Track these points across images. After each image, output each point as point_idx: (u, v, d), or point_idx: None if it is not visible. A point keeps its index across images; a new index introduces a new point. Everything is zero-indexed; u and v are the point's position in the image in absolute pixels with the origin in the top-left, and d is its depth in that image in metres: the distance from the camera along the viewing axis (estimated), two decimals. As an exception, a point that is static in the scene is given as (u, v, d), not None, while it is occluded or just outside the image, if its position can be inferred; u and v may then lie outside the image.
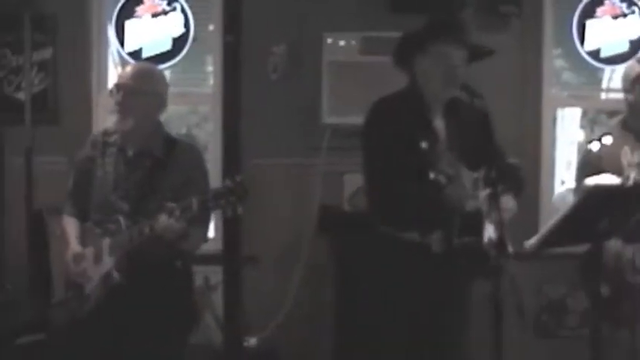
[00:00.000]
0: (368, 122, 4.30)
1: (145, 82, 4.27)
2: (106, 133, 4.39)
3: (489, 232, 3.99)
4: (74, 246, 4.31)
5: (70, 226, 4.40)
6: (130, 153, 4.27)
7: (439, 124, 4.26)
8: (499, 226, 3.83)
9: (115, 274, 4.12)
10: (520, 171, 4.50)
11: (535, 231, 5.20)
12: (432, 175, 3.72)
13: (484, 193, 3.90)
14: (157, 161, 4.24)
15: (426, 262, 4.13)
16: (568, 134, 6.84)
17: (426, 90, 4.25)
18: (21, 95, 6.26)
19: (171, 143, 4.32)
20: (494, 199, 3.89)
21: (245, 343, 6.07)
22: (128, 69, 4.40)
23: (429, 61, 4.20)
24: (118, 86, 4.27)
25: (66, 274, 4.37)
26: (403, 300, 4.19)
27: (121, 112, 4.24)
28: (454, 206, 3.96)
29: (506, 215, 4.06)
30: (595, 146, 4.94)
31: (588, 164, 4.94)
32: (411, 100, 4.27)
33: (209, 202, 3.89)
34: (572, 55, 6.54)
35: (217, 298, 6.13)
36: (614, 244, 4.64)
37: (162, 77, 4.46)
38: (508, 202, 4.13)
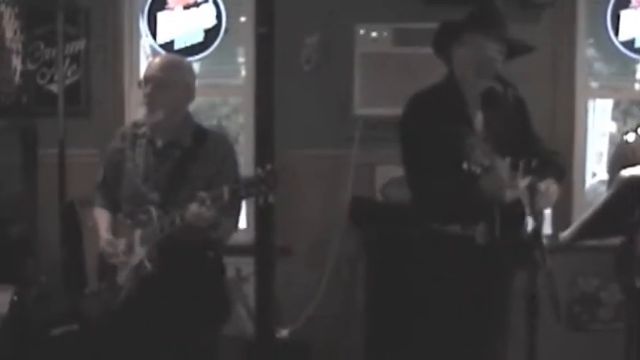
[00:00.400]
0: (405, 116, 4.28)
1: (173, 74, 4.27)
2: (135, 125, 4.40)
3: (531, 224, 3.97)
4: (105, 234, 4.32)
5: (102, 217, 4.42)
6: (160, 144, 4.28)
7: (476, 115, 4.25)
8: (537, 217, 3.81)
9: (147, 265, 4.13)
10: (559, 157, 4.46)
11: (568, 223, 5.18)
12: (465, 166, 3.70)
13: (523, 182, 3.87)
14: (186, 152, 4.25)
15: (470, 255, 4.13)
16: (599, 126, 6.79)
17: (462, 81, 4.23)
18: (54, 87, 6.28)
19: (201, 134, 4.32)
20: (533, 189, 3.87)
21: (277, 335, 6.08)
22: (156, 61, 4.39)
23: (465, 51, 4.18)
24: (146, 78, 4.27)
25: (99, 264, 4.38)
26: (447, 293, 4.17)
27: (150, 105, 4.25)
28: (492, 197, 3.94)
29: (550, 200, 4.08)
30: (630, 137, 4.90)
31: (623, 156, 4.90)
32: (448, 92, 4.26)
33: (241, 191, 3.87)
34: (606, 45, 6.48)
35: (249, 290, 6.14)
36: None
37: (190, 68, 4.46)
38: (550, 186, 4.10)
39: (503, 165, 3.81)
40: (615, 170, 4.76)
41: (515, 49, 4.28)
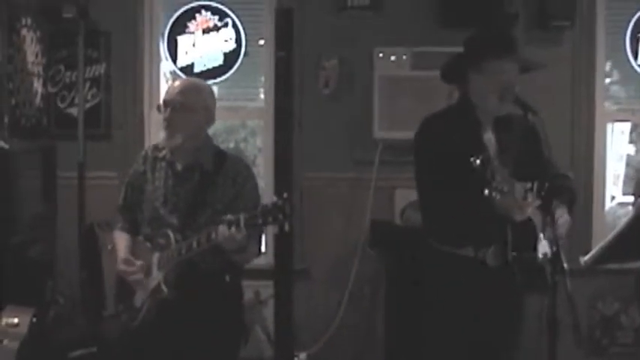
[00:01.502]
0: (418, 139, 4.28)
1: (194, 97, 4.27)
2: (156, 148, 4.39)
3: (544, 247, 3.96)
4: (123, 253, 4.32)
5: (121, 239, 4.41)
6: (179, 167, 4.27)
7: (490, 139, 4.24)
8: (554, 241, 3.79)
9: (164, 288, 4.12)
10: (571, 182, 4.44)
11: (588, 246, 5.18)
12: (486, 192, 3.69)
13: (534, 203, 3.86)
14: (206, 175, 4.23)
15: (481, 277, 4.12)
16: (617, 149, 6.78)
17: (480, 106, 4.22)
18: (74, 110, 6.32)
19: (220, 157, 4.31)
20: (548, 214, 3.86)
21: (295, 358, 6.07)
22: (176, 84, 4.36)
23: (484, 78, 4.16)
24: (166, 102, 4.25)
25: (118, 287, 4.38)
26: (460, 315, 4.16)
27: (170, 128, 4.24)
28: (503, 217, 3.94)
29: (562, 230, 4.04)
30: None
31: None
32: (463, 115, 4.25)
33: (257, 219, 3.85)
34: (625, 68, 6.49)
35: (268, 313, 6.13)
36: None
37: (211, 92, 4.44)
38: (562, 215, 4.09)
39: (518, 187, 3.81)
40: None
41: (525, 66, 4.28)
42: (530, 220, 3.99)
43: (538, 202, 3.87)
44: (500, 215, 3.90)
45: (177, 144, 4.21)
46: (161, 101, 4.31)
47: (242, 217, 3.85)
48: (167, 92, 4.32)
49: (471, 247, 4.14)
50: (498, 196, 3.68)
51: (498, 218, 3.92)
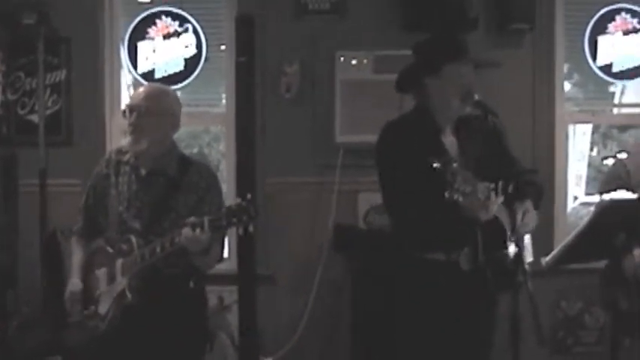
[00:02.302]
0: (379, 146, 4.29)
1: (159, 103, 4.25)
2: (119, 152, 4.36)
3: (512, 247, 3.99)
4: (73, 283, 4.31)
5: (75, 254, 4.40)
6: (144, 172, 4.25)
7: (452, 141, 4.25)
8: (519, 241, 3.83)
9: (128, 295, 4.11)
10: (537, 177, 4.46)
11: (550, 247, 5.20)
12: (447, 195, 3.71)
13: (498, 201, 3.88)
14: (170, 181, 4.22)
15: (455, 281, 4.11)
16: (578, 150, 6.83)
17: (438, 110, 4.23)
18: (35, 117, 6.29)
19: (185, 163, 4.29)
20: (512, 215, 3.89)
21: (261, 364, 6.07)
22: (141, 90, 4.35)
23: (443, 83, 4.17)
24: (131, 107, 4.23)
25: (81, 294, 4.36)
26: (434, 319, 4.14)
27: (135, 133, 4.22)
28: (469, 219, 3.95)
29: (530, 224, 4.08)
30: (610, 161, 4.93)
31: (617, 177, 4.92)
32: (422, 121, 4.26)
33: (221, 221, 3.86)
34: (584, 70, 6.55)
35: (232, 319, 6.12)
36: (633, 258, 4.60)
37: (175, 97, 4.43)
38: (528, 210, 4.11)
39: (482, 189, 3.83)
40: (604, 193, 4.75)
41: (483, 65, 4.31)
42: (497, 218, 4.00)
43: (501, 200, 3.89)
44: (466, 217, 3.92)
45: (142, 149, 4.20)
46: (125, 106, 4.30)
47: (206, 219, 3.85)
48: (132, 97, 4.32)
49: (442, 252, 4.13)
50: (461, 198, 3.69)
51: (466, 220, 3.91)
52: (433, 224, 4.03)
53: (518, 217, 4.02)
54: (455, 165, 3.72)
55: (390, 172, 4.22)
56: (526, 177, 4.28)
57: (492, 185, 3.86)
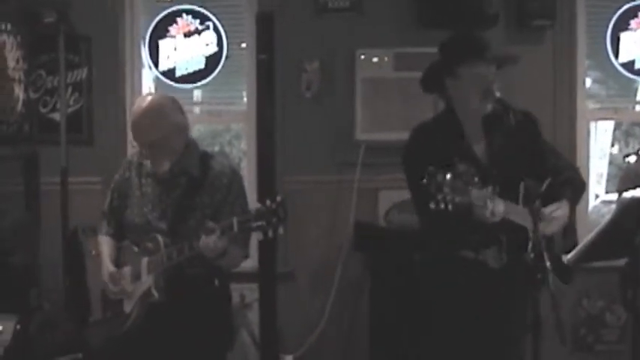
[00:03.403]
0: (407, 149, 4.32)
1: (161, 128, 4.16)
2: (141, 155, 4.37)
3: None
4: (109, 266, 4.30)
5: (105, 245, 4.40)
6: (166, 174, 4.25)
7: (479, 143, 4.25)
8: (541, 240, 3.82)
9: (154, 293, 4.11)
10: (578, 172, 4.44)
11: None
12: (432, 206, 3.72)
13: (499, 209, 3.91)
14: (193, 179, 4.22)
15: (484, 278, 4.15)
16: (599, 147, 6.80)
17: (461, 110, 4.24)
18: (56, 116, 6.30)
19: (206, 160, 4.29)
20: (536, 214, 3.90)
21: (281, 361, 6.07)
22: (136, 121, 4.20)
23: (460, 83, 4.18)
24: (140, 144, 4.22)
25: (104, 292, 4.37)
26: (462, 315, 4.18)
27: (154, 160, 4.24)
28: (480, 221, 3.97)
29: (554, 224, 4.15)
30: (632, 159, 4.91)
31: (634, 176, 4.90)
32: (447, 123, 4.27)
33: (250, 223, 3.82)
34: (606, 67, 6.51)
35: (253, 316, 6.13)
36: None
37: (172, 105, 4.29)
38: (555, 211, 4.15)
39: (479, 196, 3.84)
40: (622, 191, 4.74)
41: (500, 63, 4.28)
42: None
43: (501, 204, 3.91)
44: (477, 219, 3.93)
45: (166, 169, 4.21)
46: (134, 144, 4.28)
47: (235, 220, 3.83)
48: (134, 134, 4.24)
49: (471, 250, 4.17)
50: (450, 207, 3.70)
51: (480, 222, 3.93)
52: (450, 226, 4.01)
53: (542, 218, 4.01)
54: (446, 176, 3.71)
55: (414, 175, 4.22)
56: (563, 175, 4.29)
57: (490, 189, 3.88)
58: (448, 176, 3.71)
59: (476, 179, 3.80)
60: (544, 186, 4.17)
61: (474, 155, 4.17)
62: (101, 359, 4.56)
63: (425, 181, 3.71)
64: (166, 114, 4.22)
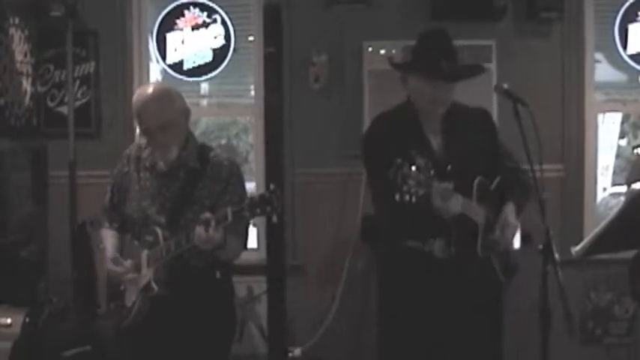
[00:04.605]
0: (367, 138, 4.47)
1: (170, 112, 4.14)
2: (139, 148, 4.33)
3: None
4: (111, 252, 4.31)
5: (109, 238, 4.39)
6: (165, 167, 4.21)
7: (436, 137, 4.34)
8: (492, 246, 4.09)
9: (154, 286, 4.11)
10: (525, 176, 4.47)
11: (580, 237, 5.17)
12: (397, 197, 3.77)
13: (455, 205, 4.02)
14: (192, 172, 4.21)
15: (430, 269, 4.26)
16: (607, 139, 6.78)
17: (417, 106, 4.34)
18: (64, 109, 6.32)
19: (204, 152, 4.28)
20: (489, 211, 4.18)
21: (289, 354, 6.07)
22: (144, 105, 4.14)
23: (415, 85, 4.30)
24: (147, 130, 4.15)
25: (108, 285, 4.38)
26: (418, 307, 4.30)
27: (162, 148, 4.18)
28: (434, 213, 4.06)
29: (507, 241, 4.29)
30: (641, 150, 4.90)
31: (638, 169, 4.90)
32: (406, 115, 4.37)
33: (244, 212, 3.83)
34: (614, 59, 6.49)
35: (261, 309, 6.13)
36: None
37: (177, 93, 4.29)
38: (508, 226, 4.28)
39: (440, 190, 3.91)
40: (632, 183, 4.74)
41: (466, 74, 4.37)
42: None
43: (460, 200, 4.03)
44: (432, 211, 4.02)
45: (174, 157, 4.19)
46: (141, 130, 4.19)
47: (229, 210, 3.84)
48: (140, 116, 4.17)
49: (420, 241, 4.28)
50: (413, 199, 3.77)
51: (432, 214, 4.04)
52: (400, 216, 4.12)
53: (497, 231, 4.24)
54: (412, 168, 3.76)
55: (374, 164, 4.35)
56: (513, 175, 4.38)
57: (451, 185, 3.97)
58: (413, 169, 3.79)
59: (432, 172, 3.87)
60: (494, 184, 4.31)
61: (431, 149, 4.27)
62: (109, 352, 4.57)
63: (391, 172, 3.78)
64: (174, 98, 4.22)
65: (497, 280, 4.35)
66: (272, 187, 3.84)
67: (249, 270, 5.22)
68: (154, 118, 4.12)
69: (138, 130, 4.32)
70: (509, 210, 4.29)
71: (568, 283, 3.75)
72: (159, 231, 4.11)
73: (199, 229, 3.87)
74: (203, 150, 4.29)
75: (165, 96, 4.21)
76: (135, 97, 4.23)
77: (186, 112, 4.24)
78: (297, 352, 6.17)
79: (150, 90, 4.21)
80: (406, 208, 3.81)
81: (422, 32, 4.41)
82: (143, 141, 4.32)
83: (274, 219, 3.86)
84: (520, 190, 4.35)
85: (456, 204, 4.01)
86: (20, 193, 6.03)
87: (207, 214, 3.88)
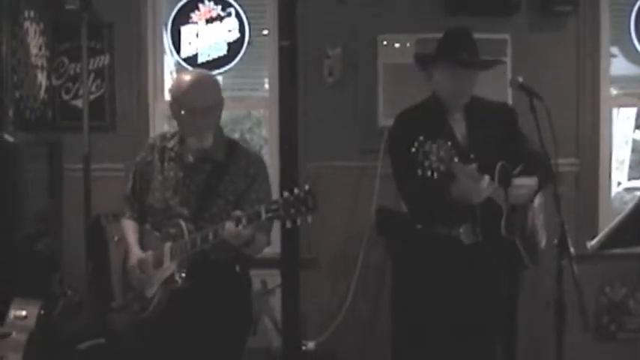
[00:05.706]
0: (392, 133, 4.65)
1: (214, 97, 4.15)
2: (164, 138, 4.34)
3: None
4: (137, 252, 4.29)
5: (130, 230, 4.37)
6: (191, 159, 4.22)
7: (460, 126, 4.52)
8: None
9: (177, 279, 4.10)
10: (548, 161, 4.48)
11: (595, 231, 5.16)
12: (419, 172, 3.91)
13: (488, 187, 4.17)
14: (218, 166, 4.20)
15: (457, 254, 4.38)
16: (622, 133, 6.75)
17: (443, 97, 4.53)
18: (79, 102, 6.33)
19: (231, 147, 4.27)
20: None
21: (303, 347, 6.07)
22: (191, 86, 4.10)
23: (439, 77, 4.49)
24: (193, 109, 4.07)
25: (126, 279, 4.37)
26: (441, 292, 4.40)
27: (200, 133, 4.15)
28: (461, 200, 4.22)
29: (519, 193, 4.39)
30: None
31: None
32: (431, 108, 4.56)
33: (279, 211, 3.76)
34: (630, 53, 6.46)
35: (275, 302, 6.14)
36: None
37: (218, 81, 4.35)
38: (523, 183, 4.41)
39: (464, 169, 4.06)
40: None
41: (484, 65, 4.57)
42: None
43: (493, 185, 4.19)
44: (459, 199, 4.19)
45: (209, 145, 4.18)
46: (185, 106, 4.09)
47: (262, 209, 3.80)
48: (186, 96, 4.10)
49: (445, 227, 4.42)
50: (435, 174, 3.90)
51: (458, 201, 4.21)
52: (427, 201, 4.34)
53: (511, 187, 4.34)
54: (433, 145, 3.84)
55: (398, 156, 4.53)
56: (536, 159, 4.41)
57: (475, 166, 4.13)
58: (435, 145, 3.92)
59: (456, 159, 4.00)
60: (518, 169, 4.43)
61: (455, 137, 4.41)
62: (124, 344, 4.57)
63: (414, 149, 3.92)
64: (219, 85, 4.27)
65: (521, 266, 4.41)
66: (307, 186, 3.79)
67: (263, 263, 5.20)
68: (202, 98, 4.10)
69: (170, 115, 4.29)
70: (530, 180, 4.45)
71: (583, 277, 3.74)
72: (183, 224, 4.10)
73: (230, 225, 3.84)
74: (230, 144, 4.28)
75: (214, 81, 4.28)
76: (178, 79, 4.22)
77: (223, 103, 4.24)
78: (311, 345, 6.17)
79: (195, 73, 4.26)
80: (432, 193, 4.03)
81: (447, 29, 4.59)
82: (169, 130, 4.31)
83: (309, 220, 3.81)
84: (542, 173, 4.42)
85: (486, 185, 4.14)
86: (35, 186, 6.03)
87: (240, 212, 3.86)
